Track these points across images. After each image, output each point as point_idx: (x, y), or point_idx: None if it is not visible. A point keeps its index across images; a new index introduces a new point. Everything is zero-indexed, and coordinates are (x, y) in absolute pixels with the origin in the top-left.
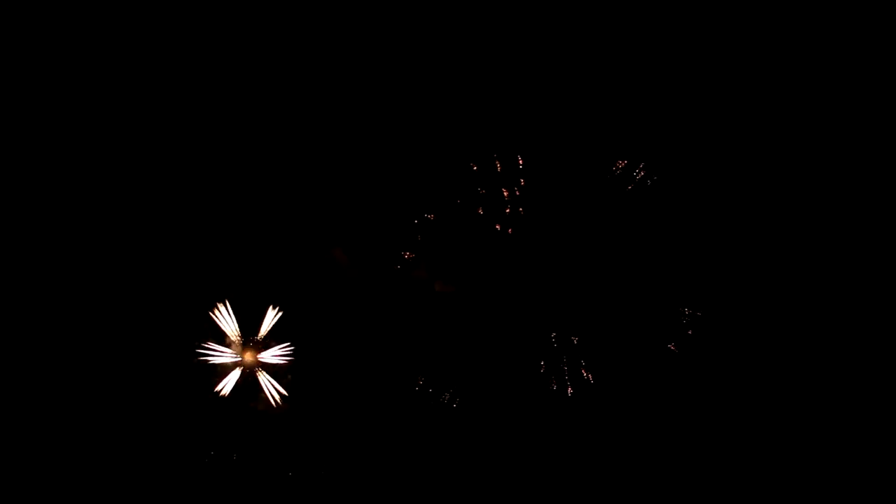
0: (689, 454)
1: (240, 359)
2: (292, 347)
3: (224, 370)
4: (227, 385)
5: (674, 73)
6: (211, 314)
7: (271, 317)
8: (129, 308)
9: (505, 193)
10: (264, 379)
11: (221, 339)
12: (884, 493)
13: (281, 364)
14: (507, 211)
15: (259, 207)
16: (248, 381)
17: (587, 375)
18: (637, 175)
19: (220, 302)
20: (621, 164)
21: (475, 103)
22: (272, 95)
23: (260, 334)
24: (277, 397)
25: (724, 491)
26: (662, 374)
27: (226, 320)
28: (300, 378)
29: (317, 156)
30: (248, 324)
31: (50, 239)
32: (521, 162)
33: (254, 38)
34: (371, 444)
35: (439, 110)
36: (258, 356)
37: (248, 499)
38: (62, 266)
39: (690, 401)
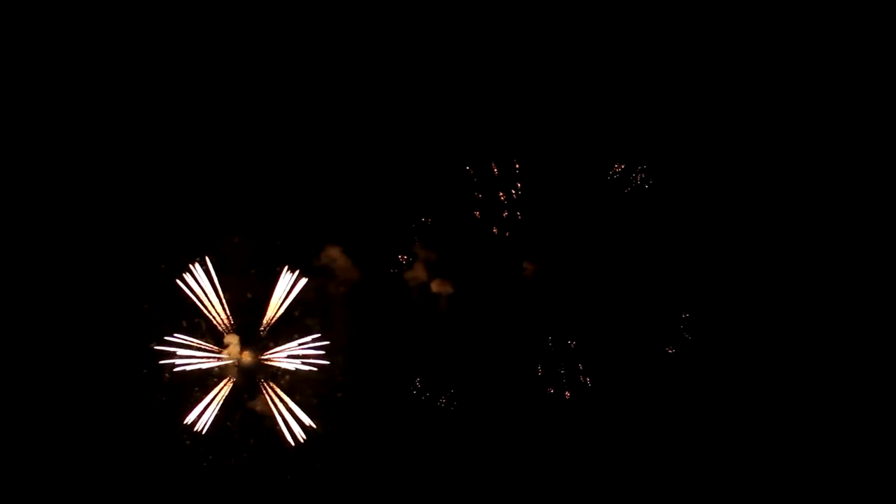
0: (687, 456)
1: (233, 361)
2: (322, 342)
3: (209, 380)
4: (208, 412)
5: (671, 76)
6: (185, 288)
7: (285, 288)
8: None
9: (502, 197)
10: (273, 397)
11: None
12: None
13: (303, 371)
14: (505, 215)
15: (259, 208)
16: (246, 386)
17: (585, 379)
18: (634, 179)
19: (197, 262)
20: (618, 167)
21: (472, 108)
22: (273, 98)
23: (267, 318)
24: (299, 431)
25: (722, 492)
26: (660, 377)
27: (209, 299)
28: (297, 380)
29: (316, 158)
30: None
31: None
32: (517, 166)
33: (254, 37)
34: (369, 446)
35: (437, 115)
36: (261, 357)
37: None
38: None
39: (688, 403)
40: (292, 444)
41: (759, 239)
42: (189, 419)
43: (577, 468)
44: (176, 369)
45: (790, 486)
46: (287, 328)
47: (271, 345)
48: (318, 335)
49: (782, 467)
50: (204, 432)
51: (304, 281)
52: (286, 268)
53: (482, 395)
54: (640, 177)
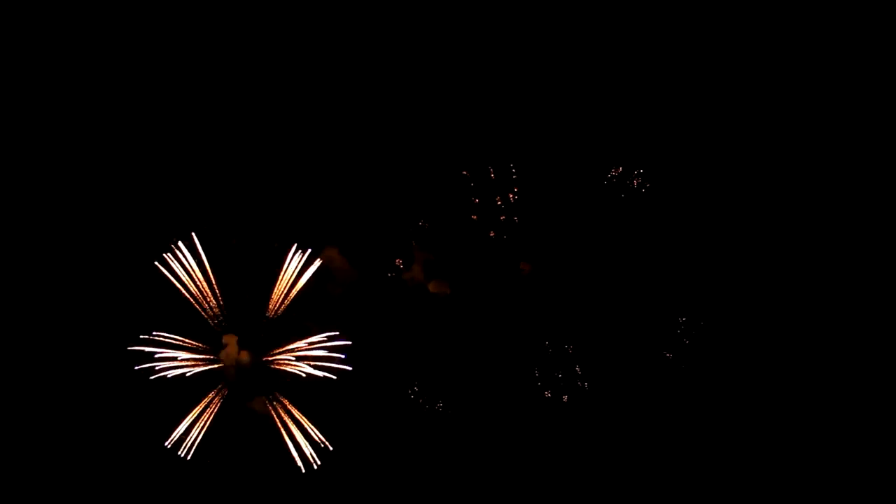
0: (685, 460)
1: (230, 364)
2: (340, 341)
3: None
4: (194, 433)
5: (666, 82)
6: (166, 271)
7: (294, 269)
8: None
9: (499, 201)
10: (280, 413)
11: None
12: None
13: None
14: (502, 219)
15: (257, 211)
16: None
17: (582, 384)
18: (631, 182)
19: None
20: (615, 171)
21: (470, 113)
22: (272, 102)
23: (273, 301)
24: (312, 453)
25: (719, 495)
26: (658, 381)
27: (195, 284)
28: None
29: (316, 163)
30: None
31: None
32: (514, 172)
33: (255, 38)
34: (365, 451)
35: (434, 120)
36: (265, 360)
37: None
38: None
39: (686, 408)
40: (303, 470)
41: (754, 243)
42: (170, 441)
43: (573, 471)
44: (154, 377)
45: (787, 491)
46: (285, 330)
47: (270, 345)
48: (335, 333)
49: (779, 472)
50: (189, 457)
51: (317, 264)
52: (294, 247)
53: (479, 397)
54: (637, 181)
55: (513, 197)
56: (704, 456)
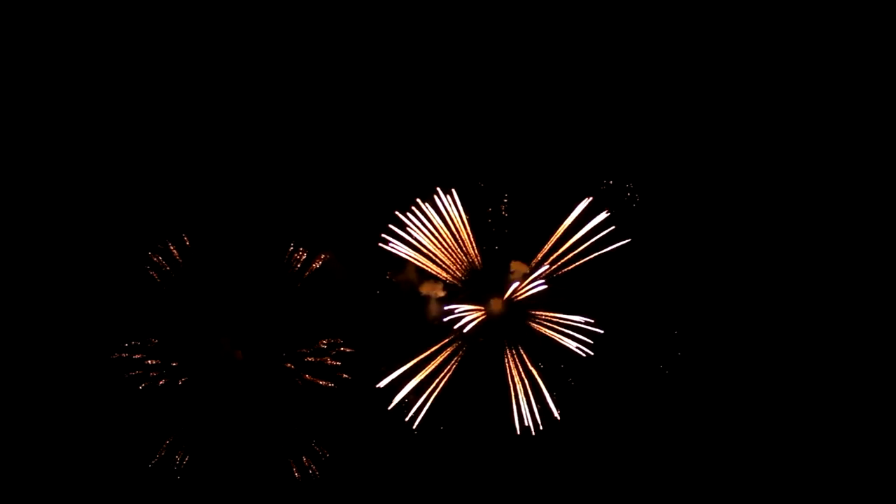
0: (684, 466)
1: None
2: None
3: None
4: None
5: (657, 92)
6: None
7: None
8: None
9: (489, 220)
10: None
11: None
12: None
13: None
14: (494, 230)
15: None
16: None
17: (575, 394)
18: (624, 195)
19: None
20: (604, 185)
21: (464, 125)
22: (266, 109)
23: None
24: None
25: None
26: (651, 393)
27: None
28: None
29: (313, 169)
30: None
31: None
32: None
33: (251, 40)
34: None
35: (430, 130)
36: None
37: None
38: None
39: (682, 418)
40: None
41: (748, 255)
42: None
43: (568, 482)
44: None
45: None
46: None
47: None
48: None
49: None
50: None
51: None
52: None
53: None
54: (628, 194)
55: (504, 209)
56: (699, 466)
